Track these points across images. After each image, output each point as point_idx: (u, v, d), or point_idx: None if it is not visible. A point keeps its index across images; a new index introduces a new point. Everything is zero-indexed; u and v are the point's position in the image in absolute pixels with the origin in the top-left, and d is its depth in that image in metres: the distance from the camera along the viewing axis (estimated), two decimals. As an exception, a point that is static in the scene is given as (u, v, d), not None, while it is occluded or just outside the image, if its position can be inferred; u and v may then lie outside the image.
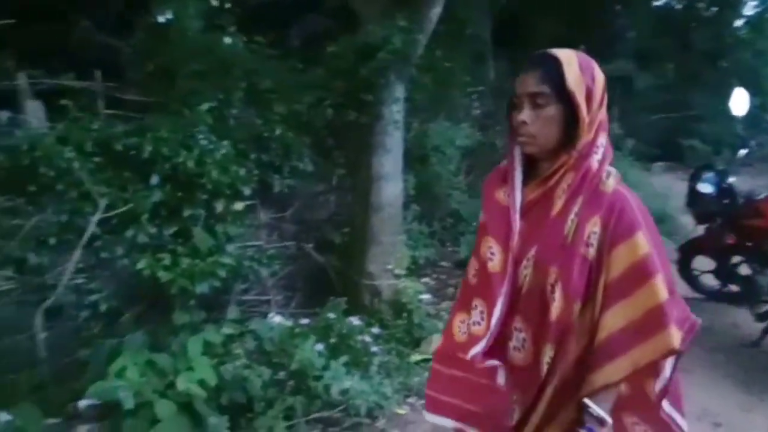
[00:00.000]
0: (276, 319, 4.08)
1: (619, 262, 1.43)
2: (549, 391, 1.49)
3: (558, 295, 1.45)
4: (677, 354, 1.44)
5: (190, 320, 3.76)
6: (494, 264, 1.55)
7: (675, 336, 1.41)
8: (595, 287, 1.45)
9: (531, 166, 1.56)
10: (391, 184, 4.68)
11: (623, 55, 11.82)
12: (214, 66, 4.06)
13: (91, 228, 3.64)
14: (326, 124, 4.61)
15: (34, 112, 3.71)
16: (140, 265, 3.71)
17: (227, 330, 3.51)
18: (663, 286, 1.42)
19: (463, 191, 6.04)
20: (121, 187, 3.80)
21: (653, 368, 1.47)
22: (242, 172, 4.07)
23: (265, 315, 4.33)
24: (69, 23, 5.00)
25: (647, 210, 1.51)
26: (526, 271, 1.51)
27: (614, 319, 1.42)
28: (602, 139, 1.51)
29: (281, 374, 3.46)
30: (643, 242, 1.43)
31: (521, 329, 1.53)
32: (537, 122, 1.49)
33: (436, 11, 4.48)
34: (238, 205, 4.20)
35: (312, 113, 4.56)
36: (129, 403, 2.74)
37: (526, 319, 1.52)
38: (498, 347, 1.55)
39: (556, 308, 1.45)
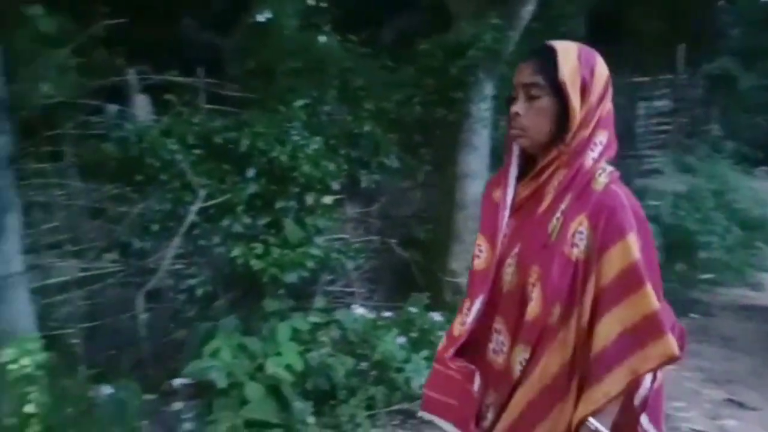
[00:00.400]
0: (359, 310, 4.18)
1: (610, 266, 1.35)
2: (522, 394, 1.42)
3: (536, 294, 1.39)
4: (675, 361, 1.35)
5: (279, 307, 3.91)
6: (479, 262, 1.53)
7: (673, 343, 1.33)
8: (582, 291, 1.37)
9: (528, 162, 1.52)
10: (476, 182, 4.68)
11: (727, 53, 11.24)
12: (310, 64, 4.21)
13: (191, 216, 3.85)
14: (414, 122, 4.66)
15: (141, 105, 3.97)
16: (235, 253, 3.89)
17: (314, 318, 3.63)
18: (653, 293, 1.34)
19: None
20: (219, 179, 4.00)
21: (634, 385, 1.39)
22: (332, 167, 4.19)
23: (348, 306, 4.44)
24: (173, 22, 5.26)
25: (642, 211, 1.43)
26: (509, 269, 1.47)
27: (609, 327, 1.34)
28: (601, 137, 1.44)
29: (364, 364, 3.55)
30: (633, 247, 1.35)
31: (500, 331, 1.48)
32: (529, 114, 1.45)
33: (528, 9, 4.44)
34: (327, 199, 4.33)
35: (401, 110, 4.63)
36: (222, 383, 2.90)
37: (506, 321, 1.47)
38: (479, 349, 1.52)
39: (532, 308, 1.40)
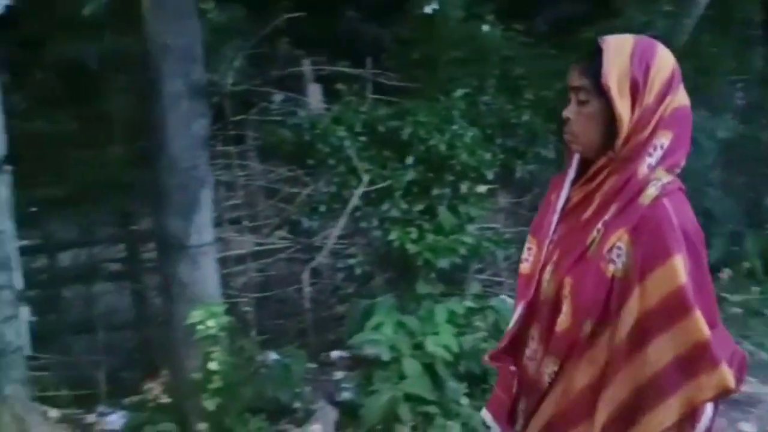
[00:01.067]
0: (508, 300, 4.21)
1: (654, 289, 1.25)
2: (548, 406, 1.40)
3: (566, 307, 1.34)
4: (730, 394, 1.27)
5: (431, 291, 4.05)
6: (525, 266, 1.49)
7: (729, 375, 1.24)
8: (618, 310, 1.28)
9: (588, 164, 1.42)
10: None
11: None
12: (473, 54, 4.28)
13: (355, 200, 4.08)
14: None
15: (314, 94, 4.25)
16: (392, 236, 4.07)
17: (469, 303, 3.72)
18: (702, 321, 1.24)
19: (717, 188, 5.59)
20: (381, 165, 4.19)
21: (691, 414, 1.29)
22: (488, 156, 4.24)
23: (496, 296, 4.48)
24: (340, 15, 5.52)
25: (696, 229, 1.31)
26: (547, 276, 1.42)
27: (659, 354, 1.25)
28: (663, 140, 1.31)
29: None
30: (679, 270, 1.24)
31: (535, 338, 1.45)
32: (579, 119, 1.37)
33: (706, -6, 4.20)
34: (481, 188, 4.38)
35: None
36: (386, 355, 3.07)
37: (540, 329, 1.43)
38: (518, 353, 1.50)
39: (562, 321, 1.35)
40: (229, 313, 3.49)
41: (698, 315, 1.23)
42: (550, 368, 1.39)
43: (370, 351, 3.73)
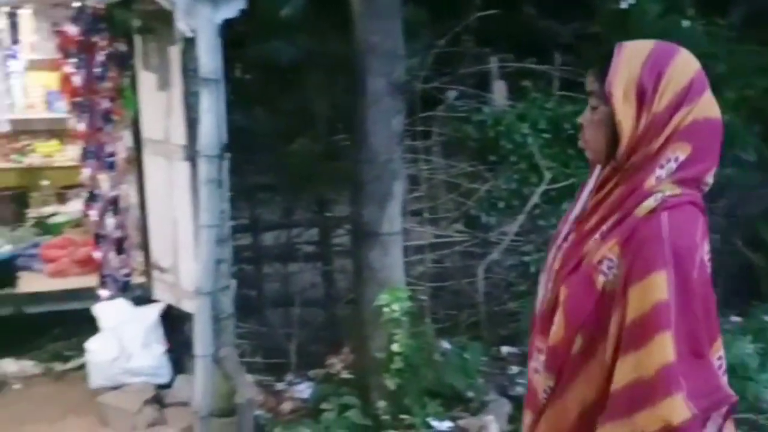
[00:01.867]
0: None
1: (633, 304, 1.17)
2: (544, 424, 1.35)
3: (558, 319, 1.28)
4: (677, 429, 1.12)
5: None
6: (543, 275, 1.44)
7: (677, 409, 1.11)
8: (608, 323, 1.21)
9: None
10: None
11: None
12: (670, 50, 4.07)
13: (535, 198, 4.08)
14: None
15: (499, 91, 4.31)
16: (571, 236, 4.03)
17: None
18: (670, 344, 1.13)
19: None
20: (564, 163, 4.16)
21: None
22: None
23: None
24: (522, 11, 5.49)
25: (692, 248, 1.18)
26: (549, 286, 1.37)
27: (622, 373, 1.17)
28: (678, 153, 1.22)
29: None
30: (660, 287, 1.14)
31: (540, 350, 1.37)
32: (590, 126, 1.31)
33: None
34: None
35: (765, 99, 4.23)
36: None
37: (542, 341, 1.36)
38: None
39: (554, 332, 1.29)
40: (411, 299, 3.67)
41: (666, 338, 1.14)
42: (546, 383, 1.34)
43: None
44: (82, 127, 2.85)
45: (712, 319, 1.23)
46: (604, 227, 1.28)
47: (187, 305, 3.70)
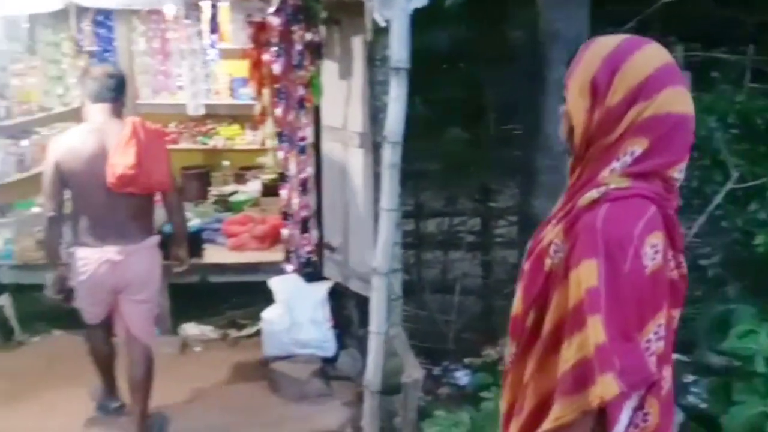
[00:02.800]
0: None
1: (572, 289, 1.25)
2: (506, 391, 1.47)
3: (518, 293, 1.43)
4: (608, 404, 1.21)
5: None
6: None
7: (610, 386, 1.19)
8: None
9: None
10: None
11: None
12: None
13: (719, 197, 3.80)
14: None
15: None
16: (757, 240, 3.71)
17: None
18: (601, 327, 1.20)
19: None
20: (753, 161, 3.83)
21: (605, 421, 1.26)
22: None
23: None
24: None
25: (626, 238, 1.22)
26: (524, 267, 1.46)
27: (569, 354, 1.25)
28: (635, 147, 1.26)
29: None
30: (591, 274, 1.22)
31: None
32: (560, 118, 1.38)
33: None
34: None
35: None
36: (761, 367, 2.85)
37: None
38: None
39: (515, 306, 1.43)
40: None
41: (597, 321, 1.20)
42: (509, 350, 1.46)
43: (715, 359, 3.51)
44: (279, 112, 3.08)
45: (645, 305, 1.25)
46: (561, 213, 1.36)
47: (354, 284, 3.87)
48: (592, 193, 1.27)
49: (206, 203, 5.74)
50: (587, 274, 1.22)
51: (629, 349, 1.23)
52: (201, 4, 3.85)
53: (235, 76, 5.68)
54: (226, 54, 4.35)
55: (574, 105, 1.32)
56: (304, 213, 3.21)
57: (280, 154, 3.14)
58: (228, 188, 5.64)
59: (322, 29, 3.49)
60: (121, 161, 2.89)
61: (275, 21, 2.77)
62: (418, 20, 3.85)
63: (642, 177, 1.27)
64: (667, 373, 1.35)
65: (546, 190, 3.29)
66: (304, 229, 3.29)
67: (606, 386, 1.20)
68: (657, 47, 1.31)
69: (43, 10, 3.62)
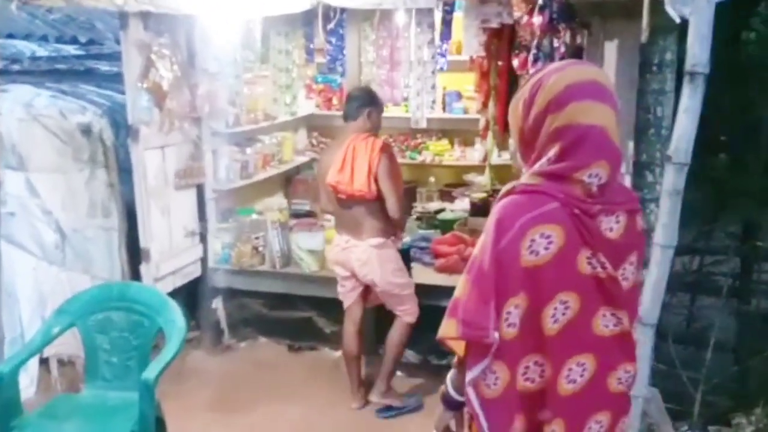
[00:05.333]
0: None
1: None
2: None
3: None
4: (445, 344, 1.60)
5: None
6: None
7: (450, 328, 1.53)
8: None
9: None
10: None
11: None
12: None
13: None
14: None
15: None
16: None
17: None
18: (463, 285, 1.53)
19: None
20: None
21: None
22: None
23: None
24: None
25: (510, 226, 1.46)
26: None
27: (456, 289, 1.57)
28: (551, 151, 1.48)
29: None
30: (479, 245, 1.53)
31: None
32: None
33: None
34: None
35: None
36: None
37: None
38: None
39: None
40: None
41: (464, 280, 1.54)
42: None
43: None
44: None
45: (512, 281, 1.47)
46: None
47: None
48: (507, 187, 1.57)
49: (410, 219, 5.57)
50: (478, 245, 1.53)
51: (477, 308, 1.50)
52: (435, 10, 3.62)
53: (449, 89, 5.46)
54: (451, 65, 4.10)
55: (513, 117, 1.57)
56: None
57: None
58: (433, 205, 5.39)
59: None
60: (332, 172, 3.53)
61: (538, 20, 2.43)
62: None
63: (554, 178, 1.48)
64: (550, 367, 1.51)
65: None
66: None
67: (446, 327, 1.54)
68: (579, 69, 1.53)
69: (294, 10, 3.59)
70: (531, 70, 2.63)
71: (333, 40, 3.91)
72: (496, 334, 1.47)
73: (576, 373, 1.51)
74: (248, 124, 4.75)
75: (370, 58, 4.02)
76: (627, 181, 2.75)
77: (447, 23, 3.76)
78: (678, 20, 2.23)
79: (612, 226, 1.49)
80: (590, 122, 1.44)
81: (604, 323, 1.51)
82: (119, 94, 4.30)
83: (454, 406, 1.67)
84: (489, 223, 1.49)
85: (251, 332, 4.72)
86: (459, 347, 1.57)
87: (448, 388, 1.67)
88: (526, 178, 1.51)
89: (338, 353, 4.48)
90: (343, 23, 3.85)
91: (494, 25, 3.60)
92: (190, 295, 4.50)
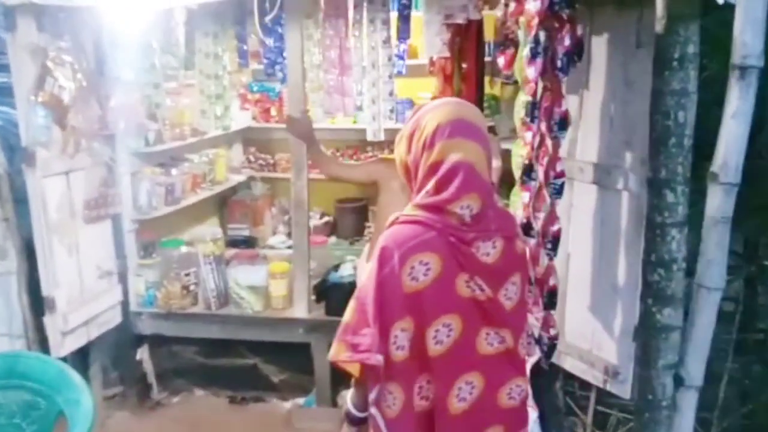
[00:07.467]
0: None
1: None
2: None
3: None
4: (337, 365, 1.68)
5: None
6: None
7: (337, 350, 1.64)
8: None
9: None
10: None
11: None
12: None
13: None
14: None
15: None
16: None
17: None
18: (351, 310, 1.64)
19: None
20: None
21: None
22: None
23: None
24: None
25: (390, 254, 1.57)
26: None
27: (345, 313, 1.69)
28: (429, 185, 1.59)
29: None
30: (367, 272, 1.64)
31: None
32: None
33: None
34: None
35: None
36: None
37: None
38: None
39: None
40: None
41: (351, 305, 1.65)
42: None
43: None
44: (529, 137, 2.15)
45: (396, 306, 1.57)
46: None
47: (570, 363, 2.93)
48: (392, 217, 1.68)
49: (362, 241, 5.02)
50: (368, 271, 1.63)
51: (362, 332, 1.61)
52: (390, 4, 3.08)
53: (401, 98, 4.94)
54: (410, 70, 3.57)
55: (397, 155, 1.72)
56: (552, 282, 2.23)
57: (525, 198, 2.18)
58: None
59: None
60: None
61: (534, 6, 1.91)
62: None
63: (432, 209, 1.60)
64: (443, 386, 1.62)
65: None
66: (551, 303, 2.30)
67: (335, 350, 1.66)
68: (450, 109, 1.63)
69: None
70: (531, 70, 2.12)
71: (270, 40, 3.30)
72: (380, 357, 1.57)
73: (465, 391, 1.62)
74: (173, 141, 4.09)
75: (315, 61, 3.45)
76: (643, 201, 2.26)
77: (405, 19, 3.22)
78: (721, 1, 1.74)
79: (489, 251, 1.60)
80: (459, 159, 1.56)
81: (488, 342, 1.63)
82: (14, 110, 3.58)
83: (356, 422, 1.77)
84: (374, 251, 1.62)
85: (185, 384, 4.06)
86: (354, 368, 1.66)
87: (348, 406, 1.78)
88: (408, 209, 1.63)
89: (288, 404, 3.91)
90: (282, 20, 3.25)
91: (459, 20, 3.09)
92: (110, 346, 3.81)
